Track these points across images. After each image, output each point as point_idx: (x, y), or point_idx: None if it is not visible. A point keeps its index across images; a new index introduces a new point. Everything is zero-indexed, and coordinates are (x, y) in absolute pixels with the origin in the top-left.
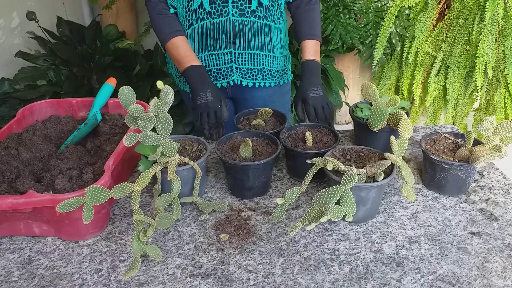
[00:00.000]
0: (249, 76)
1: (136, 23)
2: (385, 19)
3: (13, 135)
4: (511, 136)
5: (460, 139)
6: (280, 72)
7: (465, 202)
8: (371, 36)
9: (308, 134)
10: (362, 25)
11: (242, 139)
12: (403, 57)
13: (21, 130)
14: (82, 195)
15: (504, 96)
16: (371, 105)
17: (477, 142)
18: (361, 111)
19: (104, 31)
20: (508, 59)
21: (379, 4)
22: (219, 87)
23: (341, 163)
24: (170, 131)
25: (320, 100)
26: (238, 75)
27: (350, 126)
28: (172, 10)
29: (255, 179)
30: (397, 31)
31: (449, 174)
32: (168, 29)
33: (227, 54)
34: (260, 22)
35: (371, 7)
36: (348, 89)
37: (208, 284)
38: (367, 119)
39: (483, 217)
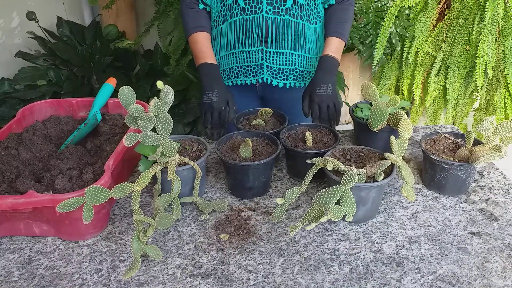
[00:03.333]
0: (280, 76)
1: (136, 23)
2: (385, 19)
3: (13, 135)
4: (511, 136)
5: (460, 139)
6: (312, 74)
7: (465, 202)
8: (371, 36)
9: (308, 134)
10: (362, 25)
11: (242, 139)
12: (403, 57)
13: (21, 130)
14: (82, 195)
15: (504, 96)
16: (371, 105)
17: (477, 142)
18: (361, 111)
19: (104, 31)
20: (508, 59)
21: (379, 4)
22: (249, 84)
23: (341, 163)
24: (170, 131)
25: (327, 98)
26: (269, 74)
27: (350, 126)
28: (201, 6)
29: (255, 179)
30: (397, 31)
31: (449, 174)
32: (192, 23)
33: (258, 51)
34: (295, 21)
35: (371, 7)
36: (348, 89)
37: (208, 284)
38: (367, 119)
39: (483, 217)
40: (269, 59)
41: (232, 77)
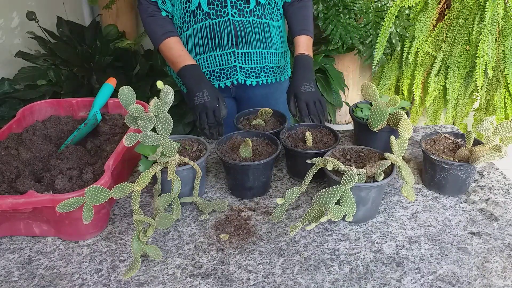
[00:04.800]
0: (252, 75)
1: (136, 23)
2: (385, 19)
3: (13, 135)
4: (511, 136)
5: (460, 139)
6: (280, 68)
7: (465, 202)
8: (371, 36)
9: (308, 134)
10: (362, 25)
11: (242, 139)
12: (403, 57)
13: (21, 130)
14: (82, 195)
15: (504, 96)
16: (371, 105)
17: (477, 142)
18: (361, 111)
19: (104, 31)
20: (508, 59)
21: (379, 4)
22: (223, 87)
23: (341, 163)
24: (170, 131)
25: (312, 95)
26: (242, 75)
27: (350, 126)
28: (163, 13)
29: (255, 179)
30: (397, 31)
31: (449, 174)
32: (161, 30)
33: (230, 54)
34: (260, 21)
35: (371, 7)
36: (348, 89)
37: (208, 284)
38: (367, 119)
39: (483, 217)
40: (241, 60)
41: None
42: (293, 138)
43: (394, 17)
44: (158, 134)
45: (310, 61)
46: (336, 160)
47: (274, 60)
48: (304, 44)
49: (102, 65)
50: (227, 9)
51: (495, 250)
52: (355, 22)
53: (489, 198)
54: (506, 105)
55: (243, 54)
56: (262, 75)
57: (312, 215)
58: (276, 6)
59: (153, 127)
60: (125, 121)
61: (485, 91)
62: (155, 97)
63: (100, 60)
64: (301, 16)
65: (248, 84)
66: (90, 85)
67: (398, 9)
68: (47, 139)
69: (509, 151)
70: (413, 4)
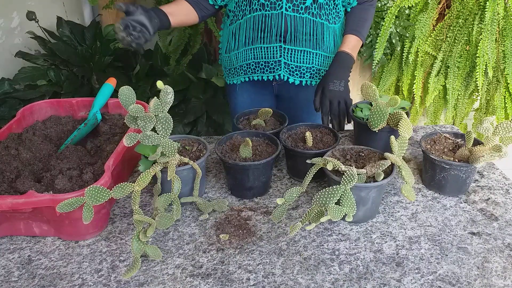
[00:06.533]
0: (296, 74)
1: None
2: (385, 19)
3: (13, 135)
4: (511, 136)
5: (460, 139)
6: None
7: (465, 202)
8: (371, 36)
9: (308, 134)
10: None
11: (242, 139)
12: (403, 57)
13: (21, 130)
14: (82, 195)
15: (504, 96)
16: (371, 105)
17: (477, 142)
18: (361, 111)
19: (104, 31)
20: (508, 59)
21: (379, 4)
22: (265, 80)
23: (341, 163)
24: (170, 131)
25: (339, 94)
26: (286, 71)
27: (350, 126)
28: (211, 2)
29: (255, 179)
30: (397, 31)
31: (449, 174)
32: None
33: (276, 48)
34: (314, 20)
35: None
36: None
37: (208, 284)
38: (367, 119)
39: (483, 217)
40: (287, 56)
41: (249, 73)
42: (293, 138)
43: (394, 17)
44: (158, 134)
45: (350, 60)
46: (336, 160)
47: (323, 63)
48: (350, 44)
49: (102, 65)
50: (282, 3)
51: (495, 250)
52: None
53: (489, 198)
54: (506, 105)
55: (290, 50)
56: (307, 75)
57: (312, 215)
58: (336, 9)
59: (153, 127)
60: (125, 121)
61: (485, 91)
62: (155, 97)
63: (100, 60)
64: (357, 18)
65: (290, 82)
66: (90, 85)
67: (398, 9)
68: (47, 139)
69: (509, 151)
70: (413, 4)
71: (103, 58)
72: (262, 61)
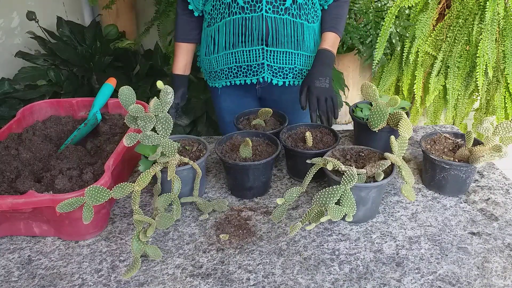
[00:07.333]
0: (280, 75)
1: (136, 23)
2: (385, 19)
3: (13, 135)
4: (511, 136)
5: (460, 139)
6: None
7: (465, 202)
8: (371, 36)
9: (308, 134)
10: (362, 25)
11: (242, 139)
12: (403, 57)
13: (21, 130)
14: (82, 195)
15: (504, 96)
16: (371, 105)
17: (477, 142)
18: (361, 111)
19: (104, 31)
20: (508, 59)
21: (379, 4)
22: (249, 83)
23: (341, 163)
24: (170, 131)
25: (325, 91)
26: (269, 73)
27: (350, 126)
28: (196, 13)
29: (255, 179)
30: (397, 31)
31: (449, 174)
32: (181, 32)
33: (258, 50)
34: (294, 20)
35: (371, 7)
36: (348, 89)
37: (208, 284)
38: (367, 119)
39: (483, 217)
40: (269, 58)
41: (230, 77)
42: (293, 138)
43: (394, 17)
44: (158, 134)
45: (331, 57)
46: (336, 160)
47: (305, 62)
48: (330, 41)
49: (102, 65)
50: (262, 5)
51: (495, 250)
52: (355, 22)
53: (489, 198)
54: (506, 105)
55: (272, 52)
56: (290, 76)
57: (312, 215)
58: (314, 8)
59: (153, 127)
60: (125, 121)
61: (485, 91)
62: (155, 97)
63: (100, 60)
64: (333, 15)
65: (274, 84)
66: (90, 85)
67: (398, 9)
68: (47, 139)
69: (509, 151)
70: (413, 4)
71: (103, 58)
72: (244, 65)
